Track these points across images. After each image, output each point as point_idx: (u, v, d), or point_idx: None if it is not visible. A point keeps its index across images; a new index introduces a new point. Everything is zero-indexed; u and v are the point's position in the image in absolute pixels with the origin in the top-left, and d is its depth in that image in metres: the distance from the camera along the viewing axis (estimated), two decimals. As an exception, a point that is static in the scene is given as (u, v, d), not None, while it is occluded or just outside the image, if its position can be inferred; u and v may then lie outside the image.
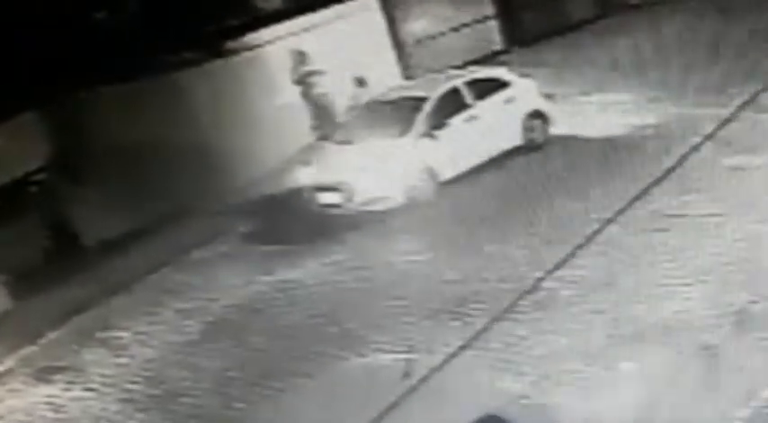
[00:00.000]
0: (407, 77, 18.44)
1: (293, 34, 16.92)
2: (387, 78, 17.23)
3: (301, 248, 12.61)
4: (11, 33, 13.51)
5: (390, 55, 19.08)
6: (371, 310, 10.43)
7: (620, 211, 11.36)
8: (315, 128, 16.96)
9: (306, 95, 16.94)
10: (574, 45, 19.88)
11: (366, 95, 16.05)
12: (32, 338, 11.80)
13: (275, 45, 16.82)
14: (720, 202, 11.00)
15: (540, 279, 10.19)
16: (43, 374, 10.99)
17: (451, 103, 13.83)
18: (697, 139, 13.06)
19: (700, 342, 8.31)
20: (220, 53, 16.16)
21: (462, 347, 9.19)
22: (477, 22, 20.48)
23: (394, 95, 14.69)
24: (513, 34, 20.84)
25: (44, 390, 10.67)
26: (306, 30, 17.09)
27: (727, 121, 13.53)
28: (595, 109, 15.63)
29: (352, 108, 16.14)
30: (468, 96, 14.04)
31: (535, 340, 9.04)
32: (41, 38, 13.83)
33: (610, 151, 13.50)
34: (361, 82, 16.42)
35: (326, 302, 10.97)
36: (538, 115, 14.58)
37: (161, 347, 10.93)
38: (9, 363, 11.45)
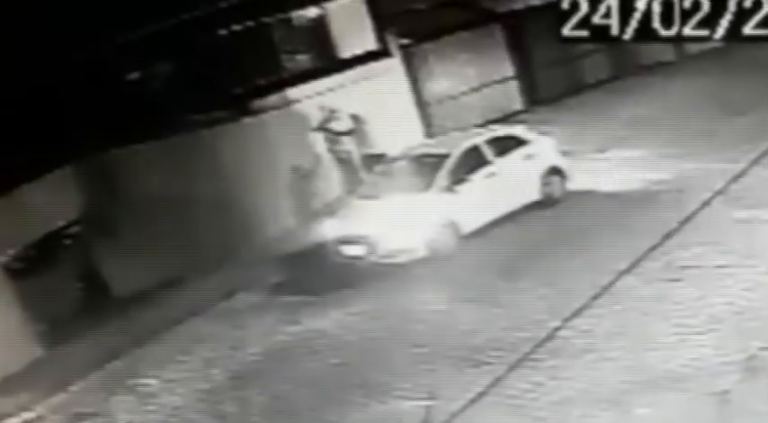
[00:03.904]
0: (430, 136, 18.66)
1: (319, 94, 17.32)
2: (410, 136, 17.55)
3: (326, 299, 12.83)
4: (47, 94, 14.03)
5: (413, 114, 19.38)
6: (393, 358, 10.66)
7: (635, 263, 11.57)
8: (341, 183, 17.33)
9: (332, 152, 17.34)
10: (591, 104, 20.12)
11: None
12: (63, 386, 11.96)
13: (302, 103, 17.21)
14: (731, 253, 11.22)
15: (557, 328, 10.41)
16: (73, 421, 11.16)
17: (472, 160, 14.12)
18: (709, 194, 13.29)
19: (712, 388, 8.50)
20: (249, 111, 16.59)
21: (481, 394, 9.39)
22: (498, 82, 20.81)
23: (416, 153, 14.99)
24: (532, 94, 21.14)
25: (74, 436, 10.88)
26: (331, 89, 17.48)
27: (737, 176, 13.75)
28: (612, 165, 15.84)
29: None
30: (488, 153, 14.32)
31: (552, 387, 9.25)
32: (77, 98, 14.34)
33: (625, 205, 13.73)
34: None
35: (350, 351, 11.20)
36: (556, 171, 14.82)
37: (188, 395, 11.11)
38: (40, 409, 11.60)
